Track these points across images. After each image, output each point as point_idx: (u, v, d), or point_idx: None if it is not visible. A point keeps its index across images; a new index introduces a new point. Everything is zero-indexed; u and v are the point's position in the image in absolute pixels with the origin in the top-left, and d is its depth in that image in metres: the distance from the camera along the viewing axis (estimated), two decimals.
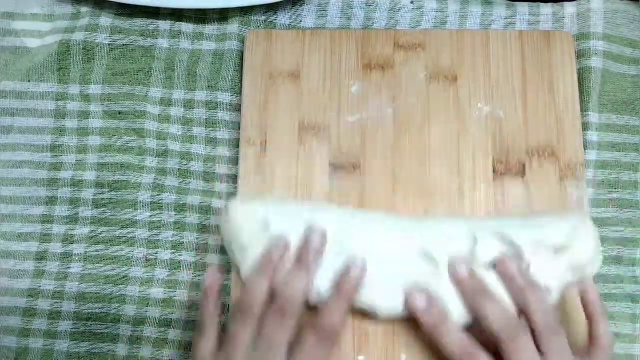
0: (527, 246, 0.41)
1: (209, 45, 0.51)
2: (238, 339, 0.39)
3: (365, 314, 0.42)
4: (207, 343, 0.40)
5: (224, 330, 0.40)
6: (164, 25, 0.52)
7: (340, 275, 0.40)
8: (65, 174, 0.49)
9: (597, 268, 0.42)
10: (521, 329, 0.38)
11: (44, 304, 0.47)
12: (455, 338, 0.39)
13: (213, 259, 0.47)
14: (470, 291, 0.40)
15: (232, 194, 0.48)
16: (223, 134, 0.50)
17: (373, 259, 0.41)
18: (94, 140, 0.50)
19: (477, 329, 0.39)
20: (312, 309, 0.40)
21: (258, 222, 0.42)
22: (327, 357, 0.39)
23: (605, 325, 0.39)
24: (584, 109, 0.48)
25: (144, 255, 0.48)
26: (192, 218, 0.48)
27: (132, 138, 0.49)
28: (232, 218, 0.43)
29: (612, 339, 0.39)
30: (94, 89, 0.50)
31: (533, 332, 0.38)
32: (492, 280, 0.40)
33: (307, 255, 0.40)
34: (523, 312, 0.39)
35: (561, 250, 0.41)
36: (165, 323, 0.47)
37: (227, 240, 0.44)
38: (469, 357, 0.38)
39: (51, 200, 0.49)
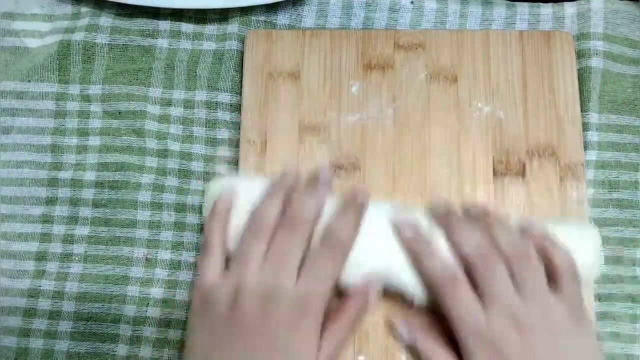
0: None
1: (209, 45, 0.51)
2: (248, 257, 0.38)
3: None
4: (214, 264, 0.39)
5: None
6: (164, 25, 0.52)
7: (347, 193, 0.41)
8: (65, 174, 0.49)
9: (597, 273, 0.42)
10: (495, 260, 0.38)
11: (44, 304, 0.47)
12: (437, 263, 0.39)
13: None
14: (414, 251, 0.40)
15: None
16: (223, 134, 0.50)
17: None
18: (94, 140, 0.50)
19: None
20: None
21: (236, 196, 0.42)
22: (337, 270, 0.39)
23: (558, 252, 0.38)
24: (584, 109, 0.48)
25: (144, 255, 0.48)
26: (192, 218, 0.48)
27: (132, 138, 0.49)
28: (211, 195, 0.43)
29: (572, 262, 0.38)
30: (94, 89, 0.50)
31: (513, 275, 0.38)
32: None
33: (317, 180, 0.41)
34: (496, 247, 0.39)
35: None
36: (165, 323, 0.47)
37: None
38: (452, 283, 0.38)
39: (51, 200, 0.49)
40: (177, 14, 0.52)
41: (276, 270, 0.38)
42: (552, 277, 0.38)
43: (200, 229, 0.48)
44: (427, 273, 0.39)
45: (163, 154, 0.49)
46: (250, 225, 0.40)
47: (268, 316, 0.36)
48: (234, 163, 0.49)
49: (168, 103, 0.50)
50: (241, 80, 0.49)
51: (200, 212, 0.48)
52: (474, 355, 0.36)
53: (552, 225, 0.42)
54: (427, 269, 0.39)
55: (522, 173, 0.46)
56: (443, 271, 0.38)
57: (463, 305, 0.37)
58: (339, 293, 0.40)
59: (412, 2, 0.51)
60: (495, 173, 0.46)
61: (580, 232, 0.42)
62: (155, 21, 0.52)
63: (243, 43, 0.50)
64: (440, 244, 0.40)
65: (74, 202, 0.49)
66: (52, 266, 0.48)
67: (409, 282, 0.40)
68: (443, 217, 0.40)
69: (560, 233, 0.41)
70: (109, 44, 0.51)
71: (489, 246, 0.38)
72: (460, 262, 0.39)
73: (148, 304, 0.47)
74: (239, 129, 0.48)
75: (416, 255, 0.39)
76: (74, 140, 0.50)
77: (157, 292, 0.47)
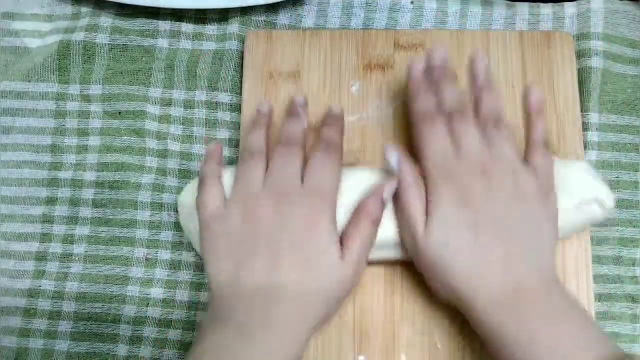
0: None
1: (209, 45, 0.51)
2: (250, 174, 0.39)
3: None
4: (214, 194, 0.39)
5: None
6: (164, 25, 0.52)
7: (327, 110, 0.44)
8: (65, 174, 0.49)
9: (609, 206, 0.41)
10: (470, 117, 0.40)
11: (44, 304, 0.47)
12: (426, 102, 0.41)
13: None
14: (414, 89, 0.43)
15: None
16: (223, 134, 0.50)
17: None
18: (94, 140, 0.50)
19: None
20: None
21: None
22: (338, 167, 0.40)
23: (537, 125, 0.41)
24: (584, 109, 0.48)
25: (144, 255, 0.48)
26: None
27: (132, 138, 0.49)
28: (182, 204, 0.43)
29: (547, 137, 0.41)
30: (94, 89, 0.50)
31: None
32: None
33: (295, 106, 0.43)
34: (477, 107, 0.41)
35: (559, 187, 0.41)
36: (165, 323, 0.47)
37: (187, 231, 0.44)
38: (432, 122, 0.40)
39: (51, 200, 0.49)
40: (177, 14, 0.52)
41: (281, 176, 0.39)
42: (526, 150, 0.41)
43: None
44: (415, 109, 0.41)
45: (163, 154, 0.49)
46: (242, 154, 0.41)
47: (284, 216, 0.37)
48: (234, 163, 0.49)
49: (168, 103, 0.50)
50: (241, 80, 0.49)
51: None
52: (438, 188, 0.38)
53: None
54: (417, 106, 0.41)
55: None
56: (426, 110, 0.41)
57: (438, 143, 0.39)
58: None
59: (412, 2, 0.51)
60: None
61: (570, 164, 0.43)
62: (155, 21, 0.52)
63: (243, 43, 0.50)
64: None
65: (74, 202, 0.49)
66: (52, 266, 0.48)
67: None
68: (428, 74, 0.43)
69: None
70: (109, 44, 0.51)
71: (466, 104, 0.41)
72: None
73: (148, 304, 0.47)
74: (239, 129, 0.48)
75: (413, 94, 0.42)
76: (74, 140, 0.50)
77: (157, 292, 0.47)
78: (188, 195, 0.43)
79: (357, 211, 0.39)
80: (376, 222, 0.39)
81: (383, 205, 0.39)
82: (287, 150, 0.40)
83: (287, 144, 0.41)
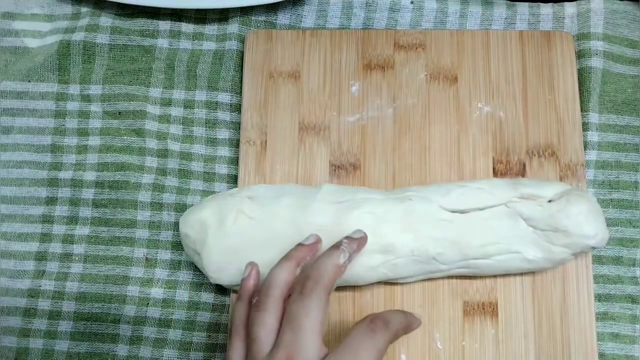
0: (516, 198, 0.42)
1: (209, 45, 0.51)
2: (258, 340, 0.35)
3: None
4: (238, 351, 0.37)
5: None
6: (164, 25, 0.52)
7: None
8: (65, 174, 0.49)
9: (601, 243, 0.41)
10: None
11: (44, 304, 0.47)
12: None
13: None
14: None
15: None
16: (223, 134, 0.50)
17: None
18: (94, 140, 0.50)
19: None
20: None
21: (203, 224, 0.43)
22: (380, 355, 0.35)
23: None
24: (584, 109, 0.48)
25: (144, 255, 0.48)
26: None
27: (132, 138, 0.49)
28: (183, 233, 0.44)
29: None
30: (94, 89, 0.50)
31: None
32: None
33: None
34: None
35: (554, 203, 0.41)
36: (165, 323, 0.47)
37: (190, 255, 0.44)
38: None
39: (51, 200, 0.49)
40: (177, 14, 0.52)
41: (291, 347, 0.34)
42: None
43: None
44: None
45: (163, 154, 0.49)
46: (258, 295, 0.37)
47: None
48: (234, 163, 0.49)
49: (168, 103, 0.50)
50: (241, 80, 0.49)
51: None
52: None
53: (541, 183, 0.43)
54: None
55: (522, 173, 0.46)
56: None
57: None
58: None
59: (412, 2, 0.51)
60: (495, 173, 0.46)
61: (571, 191, 0.43)
62: (155, 21, 0.52)
63: (243, 43, 0.50)
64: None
65: (74, 202, 0.49)
66: (52, 266, 0.48)
67: None
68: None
69: (551, 187, 0.42)
70: (109, 44, 0.51)
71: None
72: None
73: (148, 304, 0.47)
74: (239, 129, 0.48)
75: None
76: (74, 140, 0.50)
77: (157, 292, 0.47)
78: (190, 227, 0.43)
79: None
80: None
81: None
82: (305, 313, 0.35)
83: (307, 294, 0.35)
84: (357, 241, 0.39)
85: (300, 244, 0.40)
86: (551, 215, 0.41)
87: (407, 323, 0.38)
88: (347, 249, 0.38)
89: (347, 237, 0.39)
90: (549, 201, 0.42)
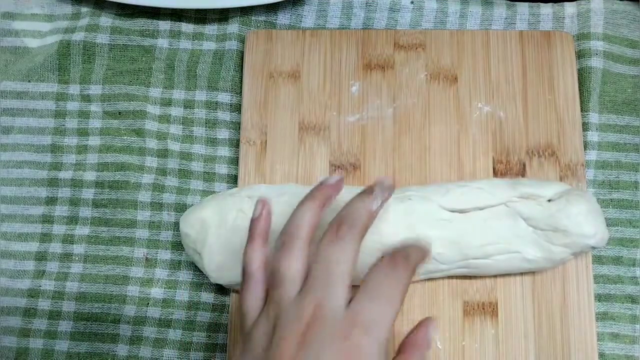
0: (515, 198, 0.42)
1: (209, 45, 0.51)
2: (283, 281, 0.32)
3: None
4: (253, 297, 0.33)
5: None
6: (164, 25, 0.52)
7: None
8: (65, 174, 0.49)
9: (601, 243, 0.41)
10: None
11: (44, 304, 0.47)
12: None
13: None
14: None
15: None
16: (223, 134, 0.50)
17: None
18: (94, 140, 0.50)
19: None
20: None
21: (204, 223, 0.43)
22: (405, 290, 0.32)
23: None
24: (584, 109, 0.48)
25: (144, 255, 0.48)
26: None
27: (132, 138, 0.49)
28: (183, 233, 0.43)
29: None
30: (94, 89, 0.50)
31: None
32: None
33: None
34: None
35: (554, 202, 0.41)
36: (165, 323, 0.47)
37: (190, 254, 0.44)
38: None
39: (51, 200, 0.49)
40: (177, 14, 0.52)
41: (322, 288, 0.31)
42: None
43: None
44: None
45: (163, 154, 0.49)
46: (282, 237, 0.34)
47: (309, 351, 0.30)
48: (234, 163, 0.49)
49: (168, 103, 0.50)
50: (241, 80, 0.49)
51: None
52: None
53: (542, 182, 0.43)
54: None
55: (522, 173, 0.46)
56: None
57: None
58: None
59: (412, 2, 0.51)
60: (495, 173, 0.46)
61: (571, 191, 0.43)
62: (155, 21, 0.52)
63: (243, 43, 0.50)
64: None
65: (74, 202, 0.49)
66: (52, 266, 0.48)
67: None
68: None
69: (550, 187, 0.42)
70: (109, 44, 0.51)
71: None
72: None
73: (148, 304, 0.47)
74: (239, 129, 0.48)
75: None
76: (74, 140, 0.50)
77: (157, 292, 0.47)
78: (191, 226, 0.43)
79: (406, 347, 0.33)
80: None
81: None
82: (336, 252, 0.32)
83: (339, 237, 0.32)
84: (388, 188, 0.35)
85: (323, 183, 0.36)
86: (551, 215, 0.41)
87: (423, 254, 0.34)
88: (380, 195, 0.34)
89: (377, 184, 0.35)
90: (549, 201, 0.42)
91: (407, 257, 0.32)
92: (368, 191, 0.35)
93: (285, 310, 0.31)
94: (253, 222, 0.35)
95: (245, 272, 0.34)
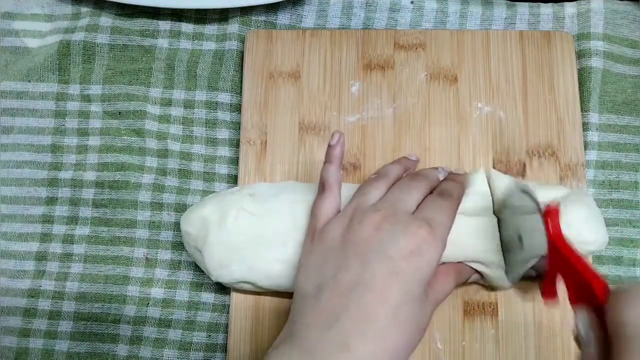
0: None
1: (209, 45, 0.51)
2: (367, 192, 0.38)
3: None
4: (329, 204, 0.39)
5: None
6: (164, 25, 0.52)
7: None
8: (65, 174, 0.49)
9: (600, 247, 0.41)
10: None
11: (44, 304, 0.47)
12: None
13: None
14: None
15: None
16: (223, 134, 0.50)
17: None
18: (94, 140, 0.50)
19: None
20: None
21: (205, 221, 0.42)
22: (451, 211, 0.38)
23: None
24: (584, 109, 0.48)
25: (144, 255, 0.48)
26: None
27: (132, 138, 0.49)
28: (184, 231, 0.43)
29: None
30: (94, 89, 0.50)
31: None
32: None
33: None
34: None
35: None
36: (165, 323, 0.47)
37: (191, 253, 0.44)
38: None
39: (51, 200, 0.49)
40: (177, 14, 0.52)
41: (395, 200, 0.37)
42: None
43: None
44: None
45: (163, 154, 0.49)
46: (370, 178, 0.41)
47: (384, 236, 0.35)
48: (234, 163, 0.49)
49: (168, 103, 0.50)
50: (241, 80, 0.49)
51: None
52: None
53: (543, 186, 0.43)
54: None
55: (522, 173, 0.46)
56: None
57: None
58: None
59: (412, 2, 0.51)
60: None
61: (572, 194, 0.42)
62: (155, 21, 0.52)
63: (243, 43, 0.50)
64: None
65: (74, 202, 0.49)
66: (52, 266, 0.48)
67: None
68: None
69: (552, 190, 0.42)
70: (109, 44, 0.51)
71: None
72: None
73: (148, 304, 0.47)
74: (239, 129, 0.48)
75: None
76: (74, 140, 0.50)
77: (157, 292, 0.47)
78: (191, 224, 0.43)
79: (454, 265, 0.40)
80: (457, 286, 0.40)
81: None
82: (413, 183, 0.39)
83: (416, 177, 0.40)
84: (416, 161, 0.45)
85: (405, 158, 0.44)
86: None
87: (462, 188, 0.41)
88: (442, 172, 0.43)
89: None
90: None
91: (451, 192, 0.39)
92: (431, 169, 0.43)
93: (363, 209, 0.37)
94: (330, 148, 0.40)
95: (324, 184, 0.39)
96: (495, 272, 0.41)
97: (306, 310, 0.35)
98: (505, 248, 0.41)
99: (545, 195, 0.42)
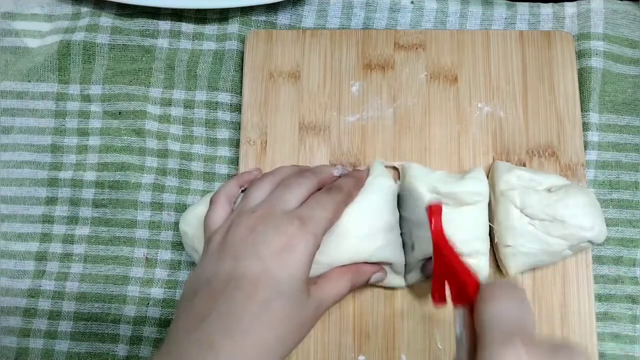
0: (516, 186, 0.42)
1: (209, 45, 0.51)
2: (252, 194, 0.39)
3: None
4: (218, 214, 0.39)
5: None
6: (164, 25, 0.52)
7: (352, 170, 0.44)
8: (65, 174, 0.49)
9: (598, 237, 0.41)
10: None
11: (44, 304, 0.47)
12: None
13: None
14: None
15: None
16: (223, 134, 0.50)
17: None
18: (94, 140, 0.50)
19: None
20: None
21: (201, 220, 0.42)
22: (332, 205, 0.38)
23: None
24: (584, 109, 0.48)
25: (144, 255, 0.48)
26: None
27: (132, 138, 0.49)
28: (182, 231, 0.43)
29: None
30: (94, 89, 0.50)
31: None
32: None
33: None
34: None
35: (553, 192, 0.41)
36: (165, 323, 0.47)
37: (190, 253, 0.44)
38: None
39: (51, 200, 0.49)
40: (177, 14, 0.52)
41: (275, 199, 0.37)
42: None
43: None
44: None
45: (163, 154, 0.49)
46: (255, 182, 0.40)
47: (256, 238, 0.35)
48: (234, 163, 0.49)
49: (168, 103, 0.50)
50: (241, 80, 0.49)
51: None
52: None
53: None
54: None
55: None
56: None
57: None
58: None
59: (412, 2, 0.51)
60: None
61: (570, 186, 0.42)
62: (155, 21, 0.52)
63: (243, 43, 0.50)
64: None
65: (74, 202, 0.49)
66: (52, 266, 0.48)
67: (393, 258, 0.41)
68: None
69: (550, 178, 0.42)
70: (109, 44, 0.51)
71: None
72: None
73: (148, 304, 0.47)
74: (239, 129, 0.48)
75: None
76: (74, 140, 0.50)
77: (157, 292, 0.47)
78: (189, 224, 0.43)
79: (351, 267, 0.40)
80: (354, 288, 0.39)
81: (367, 280, 0.40)
82: (298, 180, 0.39)
83: (303, 173, 0.40)
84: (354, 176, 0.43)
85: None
86: (549, 204, 0.41)
87: (356, 183, 0.41)
88: (340, 170, 0.43)
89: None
90: (548, 191, 0.41)
91: (339, 187, 0.39)
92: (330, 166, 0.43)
93: (243, 212, 0.38)
94: (246, 172, 0.42)
95: (212, 198, 0.40)
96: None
97: (180, 315, 0.35)
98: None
99: (545, 181, 0.42)
